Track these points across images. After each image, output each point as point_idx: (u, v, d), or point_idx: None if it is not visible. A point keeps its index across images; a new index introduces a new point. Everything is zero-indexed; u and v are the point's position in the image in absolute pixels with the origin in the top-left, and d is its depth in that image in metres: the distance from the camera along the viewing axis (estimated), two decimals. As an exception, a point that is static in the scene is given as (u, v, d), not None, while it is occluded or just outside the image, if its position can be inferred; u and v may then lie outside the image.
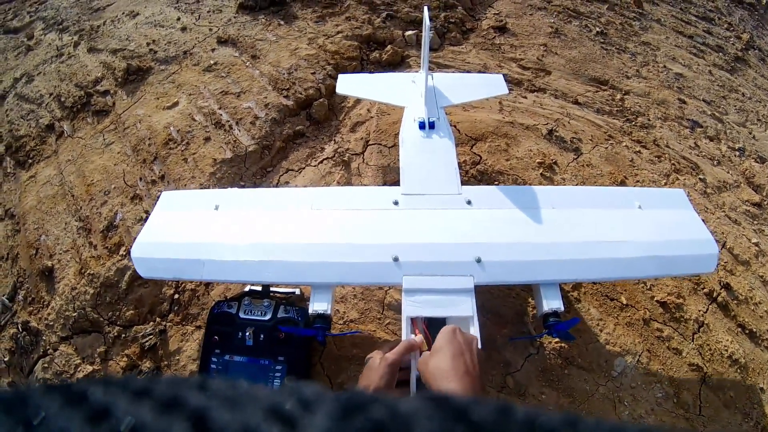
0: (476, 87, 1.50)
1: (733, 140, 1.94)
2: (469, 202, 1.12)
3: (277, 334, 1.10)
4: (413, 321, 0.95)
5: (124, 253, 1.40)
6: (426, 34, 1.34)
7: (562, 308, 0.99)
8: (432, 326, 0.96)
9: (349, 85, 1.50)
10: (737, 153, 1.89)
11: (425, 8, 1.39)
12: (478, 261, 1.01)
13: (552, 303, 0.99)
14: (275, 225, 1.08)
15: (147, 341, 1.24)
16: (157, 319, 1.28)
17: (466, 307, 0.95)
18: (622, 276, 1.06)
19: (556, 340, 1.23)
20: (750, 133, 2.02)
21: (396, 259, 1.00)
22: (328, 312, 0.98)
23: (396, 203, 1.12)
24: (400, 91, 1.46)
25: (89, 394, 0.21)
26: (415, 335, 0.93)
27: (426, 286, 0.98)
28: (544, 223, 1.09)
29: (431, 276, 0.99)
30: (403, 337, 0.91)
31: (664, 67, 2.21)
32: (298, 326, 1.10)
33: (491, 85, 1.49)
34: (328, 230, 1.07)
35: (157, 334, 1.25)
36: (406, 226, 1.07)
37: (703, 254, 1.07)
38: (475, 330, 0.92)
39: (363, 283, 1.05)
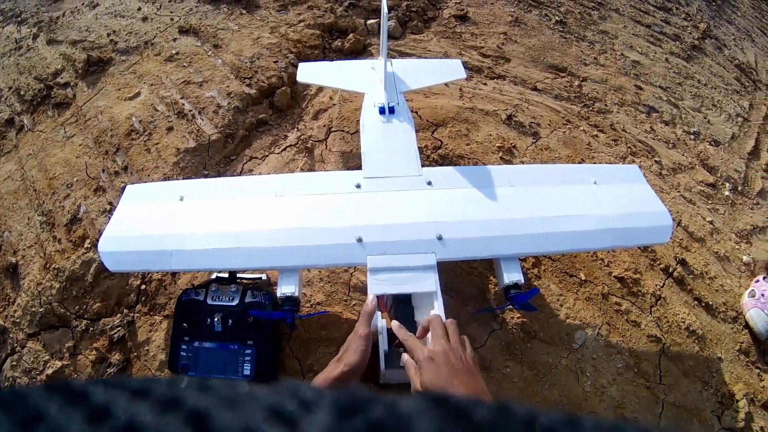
0: (435, 72, 1.52)
1: (689, 124, 2.01)
2: (429, 183, 1.15)
3: (246, 319, 1.10)
4: (379, 299, 0.97)
5: (89, 246, 1.38)
6: (384, 20, 1.36)
7: (523, 281, 1.03)
8: (398, 302, 0.99)
9: (309, 73, 1.51)
10: (692, 136, 1.96)
11: None
12: (440, 238, 1.04)
13: (512, 276, 1.03)
14: (240, 212, 1.10)
15: (115, 333, 1.23)
16: (125, 311, 1.27)
17: (430, 283, 0.98)
18: (579, 248, 1.12)
19: (518, 315, 1.27)
20: (705, 118, 2.09)
21: (360, 240, 1.03)
22: (296, 294, 1.00)
23: (358, 186, 1.14)
24: (360, 77, 1.47)
25: (89, 393, 0.21)
26: (381, 312, 0.95)
27: (390, 264, 1.00)
28: (503, 200, 1.13)
29: (395, 255, 1.02)
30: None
31: (622, 54, 2.27)
32: (266, 310, 1.11)
33: (449, 70, 1.52)
34: (292, 215, 1.09)
35: (125, 325, 1.25)
36: (369, 208, 1.10)
37: (657, 225, 1.13)
38: (438, 304, 0.96)
39: (328, 265, 1.07)
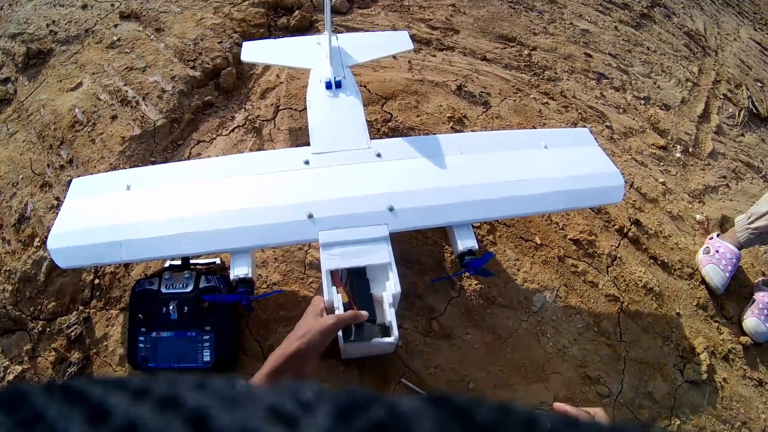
0: (381, 45, 1.51)
1: (639, 90, 2.05)
2: (378, 155, 1.14)
3: (201, 305, 1.09)
4: (333, 274, 0.96)
5: (39, 244, 1.34)
6: None
7: (477, 246, 1.04)
8: (353, 276, 0.98)
9: (254, 51, 1.48)
10: (642, 102, 2.00)
11: None
12: (391, 209, 1.04)
13: (466, 242, 1.04)
14: (189, 197, 1.08)
15: (72, 331, 1.20)
16: (80, 308, 1.25)
17: (383, 255, 0.98)
18: (531, 211, 1.12)
19: (476, 282, 1.28)
20: (655, 83, 2.14)
21: (311, 216, 1.02)
22: (250, 275, 0.99)
23: (307, 163, 1.13)
24: (305, 54, 1.45)
25: (89, 393, 0.21)
26: (336, 288, 0.94)
27: (342, 238, 1.00)
28: (453, 168, 1.13)
29: (346, 228, 1.01)
30: (325, 291, 0.93)
31: (571, 23, 2.29)
32: (221, 294, 1.09)
33: (396, 42, 1.51)
34: (241, 196, 1.07)
35: (81, 322, 1.22)
36: (319, 183, 1.09)
37: (609, 186, 1.15)
38: (393, 275, 0.95)
39: (280, 244, 1.06)
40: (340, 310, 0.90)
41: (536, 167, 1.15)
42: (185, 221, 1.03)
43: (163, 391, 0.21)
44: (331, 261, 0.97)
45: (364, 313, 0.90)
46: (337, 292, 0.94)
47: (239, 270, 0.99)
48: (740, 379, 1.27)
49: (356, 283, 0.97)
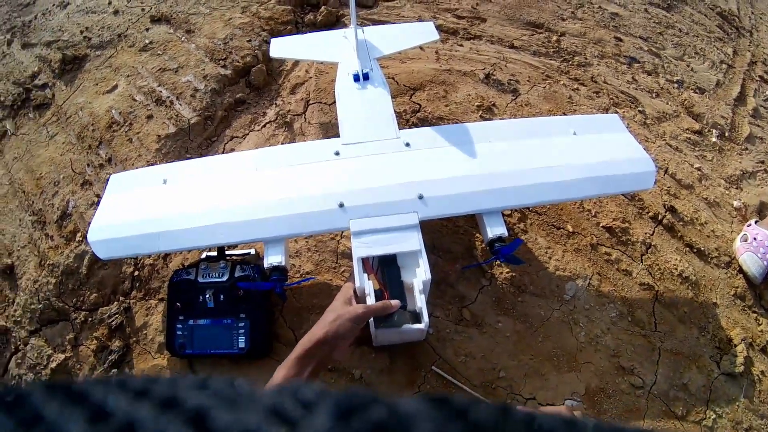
0: (407, 36, 1.52)
1: (671, 73, 2.00)
2: (407, 145, 1.15)
3: (237, 293, 1.12)
4: (364, 261, 0.98)
5: (81, 239, 1.40)
6: None
7: (506, 234, 1.04)
8: (384, 264, 0.99)
9: (282, 47, 1.51)
10: (676, 85, 1.95)
11: None
12: (420, 198, 1.05)
13: (496, 230, 1.04)
14: (223, 189, 1.12)
15: (113, 321, 1.26)
16: (121, 298, 1.30)
17: (413, 242, 0.99)
18: (561, 198, 1.11)
19: (507, 270, 1.28)
20: (688, 66, 2.08)
21: (341, 205, 1.04)
22: (283, 263, 1.01)
23: (337, 153, 1.15)
24: (332, 48, 1.47)
25: (89, 393, 0.21)
26: (367, 275, 0.96)
27: (373, 226, 1.01)
28: (482, 156, 1.13)
29: (377, 217, 1.03)
30: (356, 278, 0.94)
31: (600, 7, 2.24)
32: (255, 281, 1.12)
33: (422, 33, 1.52)
34: (274, 187, 1.10)
35: (122, 312, 1.27)
36: (349, 173, 1.11)
37: (641, 172, 1.13)
38: (423, 262, 0.96)
39: (312, 232, 1.08)
40: (371, 297, 0.91)
41: (565, 154, 1.15)
42: (220, 212, 1.06)
43: (163, 391, 0.21)
44: (362, 249, 0.98)
45: (395, 302, 0.91)
46: (369, 279, 0.95)
47: (273, 258, 1.02)
48: None
49: (387, 270, 0.98)
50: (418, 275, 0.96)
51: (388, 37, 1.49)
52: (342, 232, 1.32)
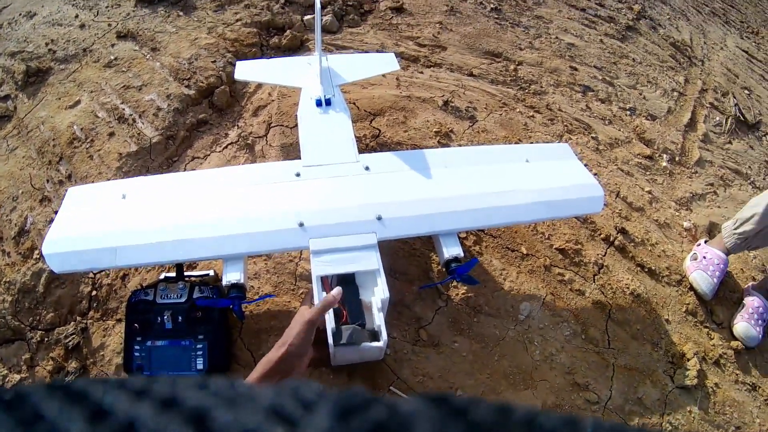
0: (369, 65, 1.58)
1: (624, 101, 2.10)
2: (367, 168, 1.19)
3: (195, 314, 1.12)
4: (323, 280, 1.00)
5: (38, 257, 1.37)
6: (318, 16, 1.39)
7: (462, 254, 1.07)
8: (342, 283, 1.01)
9: (247, 71, 1.54)
10: (628, 112, 2.04)
11: None
12: (379, 218, 1.08)
13: (452, 250, 1.08)
14: (183, 206, 1.11)
15: (70, 341, 1.23)
16: (78, 318, 1.27)
17: (372, 262, 1.02)
18: (514, 220, 1.17)
19: (463, 291, 1.31)
20: (640, 94, 2.18)
21: (301, 225, 1.06)
22: (242, 281, 1.01)
23: (298, 175, 1.17)
24: (296, 73, 1.51)
25: (89, 393, 0.21)
26: (326, 293, 0.97)
27: (332, 246, 1.03)
28: (439, 180, 1.18)
29: (336, 236, 1.05)
30: (315, 297, 0.96)
31: (557, 38, 2.34)
32: (214, 299, 1.13)
33: (383, 63, 1.58)
34: (234, 205, 1.11)
35: (79, 332, 1.25)
36: (309, 194, 1.13)
37: (590, 196, 1.20)
38: (381, 281, 0.99)
39: (272, 251, 1.09)
40: (330, 315, 0.93)
41: (518, 180, 1.20)
42: (179, 228, 1.06)
43: (163, 391, 0.21)
44: (321, 267, 1.00)
45: (336, 290, 0.93)
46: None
47: (231, 275, 1.01)
48: (732, 384, 1.28)
49: (345, 289, 1.00)
50: (377, 294, 0.98)
51: (351, 65, 1.54)
52: (300, 254, 1.34)
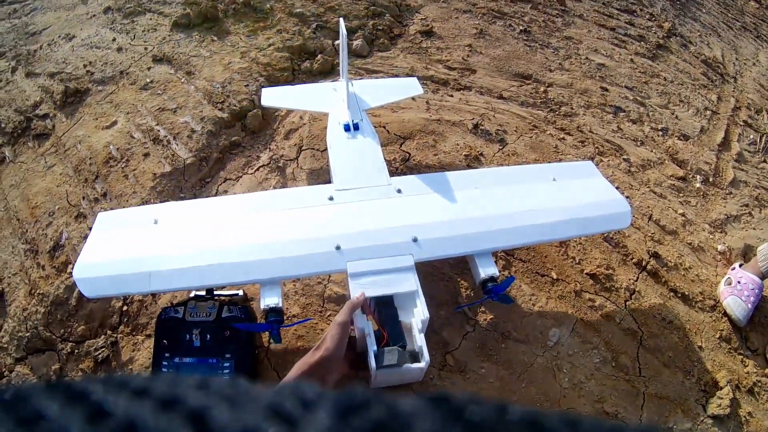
0: (393, 89, 1.62)
1: (656, 121, 2.06)
2: (399, 191, 1.20)
3: (223, 333, 1.13)
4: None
5: (71, 271, 1.41)
6: (342, 42, 1.42)
7: (498, 273, 1.07)
8: (381, 306, 1.01)
9: (273, 97, 1.58)
10: (660, 133, 2.01)
11: (340, 20, 1.50)
12: (415, 240, 1.08)
13: (488, 270, 1.08)
14: (218, 231, 1.12)
15: (99, 354, 1.26)
16: (108, 332, 1.30)
17: (410, 283, 1.02)
18: (547, 239, 1.17)
19: (492, 316, 1.30)
20: (673, 114, 2.14)
21: (338, 248, 1.06)
22: (280, 305, 1.01)
23: (331, 198, 1.17)
24: (322, 99, 1.54)
25: (89, 393, 0.21)
26: (366, 315, 0.98)
27: (370, 268, 1.03)
28: (470, 201, 1.19)
29: (373, 259, 1.05)
30: (355, 319, 0.96)
31: (587, 58, 2.33)
32: (242, 323, 1.13)
33: (407, 87, 1.62)
34: (269, 229, 1.11)
35: (109, 346, 1.27)
36: (344, 217, 1.13)
37: (617, 212, 1.20)
38: (421, 302, 0.99)
39: (309, 274, 1.09)
40: (371, 338, 0.93)
41: (547, 198, 1.21)
42: (215, 253, 1.06)
43: (163, 390, 0.21)
44: (360, 290, 1.00)
45: (360, 292, 0.95)
46: (368, 320, 0.96)
47: (269, 300, 1.01)
48: (767, 413, 1.24)
49: (384, 311, 1.00)
50: (416, 315, 0.98)
51: (375, 90, 1.58)
52: (329, 277, 1.35)
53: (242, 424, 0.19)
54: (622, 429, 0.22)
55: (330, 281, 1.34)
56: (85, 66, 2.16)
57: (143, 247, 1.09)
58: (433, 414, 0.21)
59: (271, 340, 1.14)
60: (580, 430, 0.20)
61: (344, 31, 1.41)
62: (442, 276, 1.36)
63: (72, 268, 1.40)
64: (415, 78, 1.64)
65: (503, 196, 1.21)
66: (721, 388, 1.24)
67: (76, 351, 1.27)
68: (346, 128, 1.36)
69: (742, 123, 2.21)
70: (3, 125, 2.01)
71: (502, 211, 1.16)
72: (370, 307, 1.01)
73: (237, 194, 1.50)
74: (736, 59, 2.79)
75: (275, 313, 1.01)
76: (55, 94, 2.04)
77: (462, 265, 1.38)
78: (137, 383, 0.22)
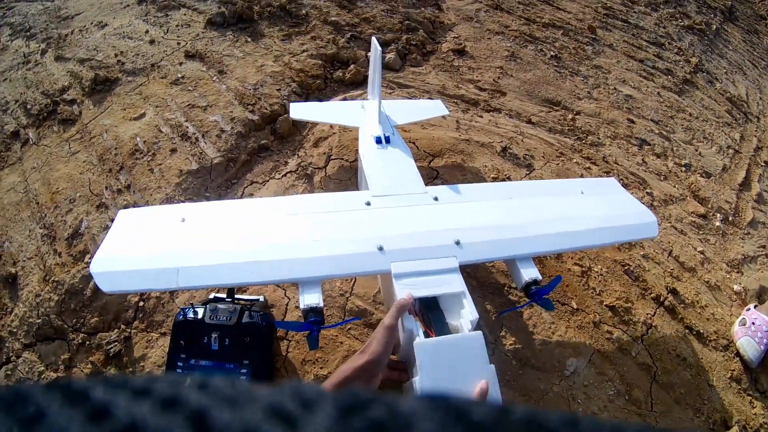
0: (419, 110, 1.67)
1: (680, 157, 2.06)
2: (435, 198, 1.20)
3: (243, 338, 1.11)
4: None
5: (89, 261, 1.40)
6: (376, 62, 1.44)
7: (540, 277, 1.06)
8: (426, 309, 0.98)
9: (301, 111, 1.61)
10: (683, 168, 2.01)
11: (373, 39, 1.50)
12: (458, 243, 1.07)
13: (530, 273, 1.07)
14: (252, 230, 1.08)
15: (112, 348, 1.24)
16: (122, 326, 1.28)
17: (457, 284, 0.99)
18: (585, 245, 1.18)
19: (511, 342, 1.30)
20: (696, 150, 2.14)
21: (381, 248, 1.04)
22: (321, 305, 0.97)
23: (368, 204, 1.16)
24: (351, 115, 1.57)
25: (90, 393, 0.21)
26: (413, 318, 0.96)
27: (415, 269, 1.01)
28: (507, 208, 1.20)
29: (418, 260, 1.03)
30: (404, 321, 0.93)
31: (615, 89, 2.33)
32: (261, 330, 1.12)
33: (432, 108, 1.69)
34: (308, 230, 1.08)
35: (122, 341, 1.26)
36: (383, 220, 1.12)
37: (645, 222, 1.24)
38: (468, 303, 0.96)
39: (351, 274, 1.06)
40: (420, 337, 0.90)
41: (578, 208, 1.23)
42: (252, 251, 1.02)
43: (164, 390, 0.21)
44: (406, 290, 0.98)
45: (408, 294, 0.93)
46: (415, 320, 0.94)
47: (309, 299, 0.97)
48: None
49: (430, 314, 0.98)
50: (464, 316, 0.96)
51: (402, 109, 1.61)
52: (352, 289, 1.35)
53: (242, 425, 0.19)
54: (621, 429, 0.22)
55: (353, 294, 1.34)
56: (116, 55, 2.17)
57: (170, 243, 1.03)
58: (433, 414, 0.20)
59: (306, 345, 1.13)
60: (580, 430, 0.20)
61: (378, 49, 1.42)
62: (472, 294, 1.36)
63: (90, 258, 1.40)
64: (440, 100, 1.69)
65: (536, 205, 1.23)
66: (729, 428, 1.24)
67: (88, 342, 1.26)
68: (378, 141, 1.37)
69: (763, 163, 2.21)
70: (29, 107, 2.02)
71: (539, 218, 1.18)
72: (416, 310, 0.99)
73: (268, 197, 1.49)
74: (760, 98, 2.79)
75: (315, 312, 0.97)
76: (84, 80, 2.05)
77: (485, 288, 1.38)
78: (138, 383, 0.22)
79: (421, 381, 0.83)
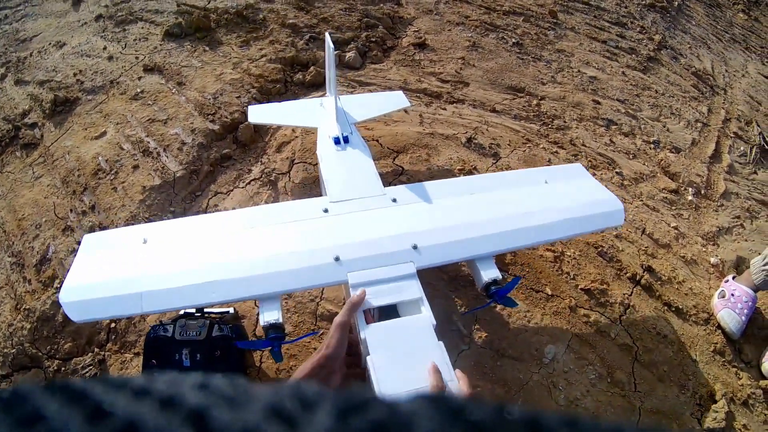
0: (380, 103, 1.63)
1: (648, 134, 2.07)
2: (394, 200, 1.18)
3: (214, 352, 1.11)
4: (365, 312, 0.97)
5: (59, 286, 1.38)
6: (330, 58, 1.43)
7: (500, 276, 1.06)
8: (385, 316, 0.98)
9: (260, 114, 1.58)
10: (652, 146, 2.02)
11: (327, 34, 1.48)
12: (415, 248, 1.06)
13: (490, 273, 1.06)
14: (211, 248, 1.08)
15: (87, 372, 1.23)
16: (96, 350, 1.27)
17: (414, 291, 0.99)
18: (545, 239, 1.16)
19: (486, 334, 1.29)
20: (664, 126, 2.16)
21: (337, 259, 1.03)
22: (281, 321, 0.97)
23: (326, 211, 1.15)
24: (310, 114, 1.54)
25: (89, 393, 0.21)
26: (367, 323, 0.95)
27: (371, 278, 1.01)
28: (466, 206, 1.18)
29: (374, 268, 1.02)
30: (359, 328, 0.93)
31: (579, 71, 2.34)
32: (231, 343, 1.11)
33: (393, 101, 1.65)
34: (266, 244, 1.08)
35: (96, 364, 1.25)
36: (340, 228, 1.11)
37: (611, 210, 1.21)
38: (426, 308, 0.96)
39: (308, 287, 1.05)
40: (360, 317, 0.91)
41: (542, 200, 1.21)
42: (211, 270, 1.02)
43: (163, 390, 0.21)
44: (360, 289, 0.97)
45: (361, 289, 0.94)
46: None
47: (269, 315, 0.97)
48: (761, 425, 1.24)
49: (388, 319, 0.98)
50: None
51: (362, 104, 1.58)
52: (322, 294, 1.34)
53: (242, 424, 0.19)
54: (621, 429, 0.22)
55: (323, 299, 1.33)
56: (75, 74, 2.14)
57: (133, 268, 1.04)
58: (432, 414, 0.21)
59: (271, 358, 1.12)
60: (580, 430, 0.20)
61: (331, 46, 1.40)
62: (437, 294, 1.35)
63: (60, 283, 1.37)
64: (401, 91, 1.66)
65: (498, 200, 1.21)
66: (717, 402, 1.25)
67: (63, 368, 1.25)
68: (336, 141, 1.36)
69: (732, 135, 2.23)
70: (-9, 134, 1.97)
71: (500, 214, 1.16)
72: (373, 316, 0.99)
73: (227, 210, 1.47)
74: (726, 71, 2.82)
75: (275, 329, 0.97)
76: (44, 102, 2.02)
77: (457, 281, 1.37)
78: (137, 383, 0.22)
79: (372, 361, 0.84)
